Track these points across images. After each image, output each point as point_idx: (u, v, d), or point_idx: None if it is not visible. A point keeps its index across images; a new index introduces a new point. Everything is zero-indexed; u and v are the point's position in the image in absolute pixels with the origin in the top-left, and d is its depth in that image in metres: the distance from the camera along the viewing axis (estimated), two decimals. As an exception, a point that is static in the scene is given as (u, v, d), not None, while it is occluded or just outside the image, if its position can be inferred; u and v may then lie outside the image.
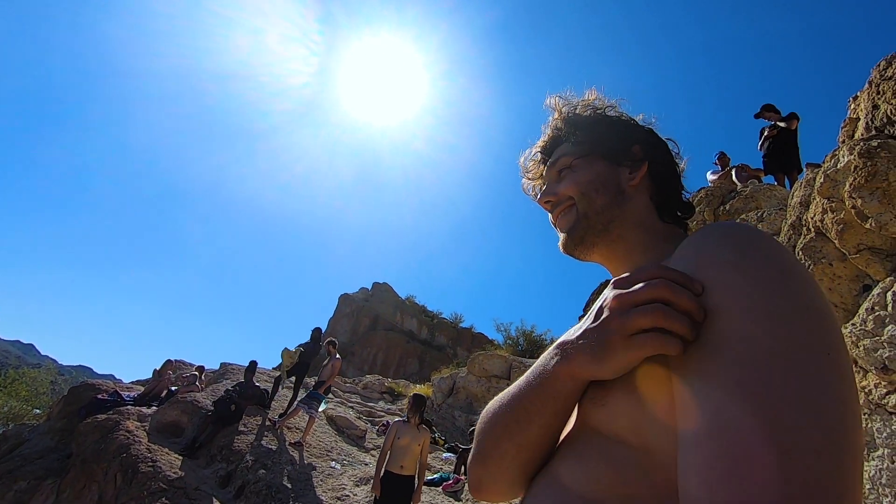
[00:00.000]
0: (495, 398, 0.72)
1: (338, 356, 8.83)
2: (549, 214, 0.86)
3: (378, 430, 10.24)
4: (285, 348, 9.33)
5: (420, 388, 14.03)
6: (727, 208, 5.75)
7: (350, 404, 11.84)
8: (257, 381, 8.93)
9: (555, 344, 0.65)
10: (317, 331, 9.83)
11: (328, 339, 9.14)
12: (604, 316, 0.55)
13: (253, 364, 9.02)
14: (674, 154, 0.87)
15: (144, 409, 7.61)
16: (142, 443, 6.49)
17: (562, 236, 0.82)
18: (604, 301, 0.58)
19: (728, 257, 0.52)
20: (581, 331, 0.59)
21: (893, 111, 2.72)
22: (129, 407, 7.56)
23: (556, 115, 0.88)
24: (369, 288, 46.71)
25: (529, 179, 0.94)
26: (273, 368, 15.96)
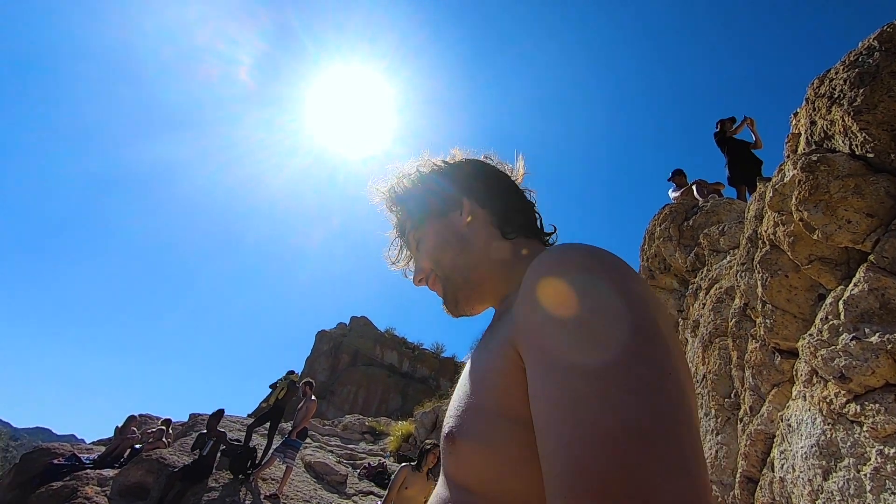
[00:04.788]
0: None
1: (313, 398, 8.55)
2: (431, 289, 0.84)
3: (360, 474, 9.86)
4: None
5: (402, 425, 13.66)
6: (691, 223, 5.88)
7: (329, 448, 11.41)
8: (229, 430, 8.52)
9: None
10: (291, 373, 9.56)
11: (304, 380, 8.87)
12: None
13: (219, 412, 8.62)
14: (495, 166, 0.86)
15: (106, 472, 7.14)
16: (102, 509, 6.06)
17: (444, 306, 0.81)
18: None
19: (535, 296, 0.53)
20: None
21: (829, 126, 2.83)
22: (88, 471, 7.08)
23: (383, 199, 0.88)
24: (347, 323, 45.92)
25: (399, 268, 0.92)
26: (248, 415, 15.32)
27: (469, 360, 0.68)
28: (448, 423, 0.62)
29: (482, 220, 0.80)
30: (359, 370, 39.58)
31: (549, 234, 0.84)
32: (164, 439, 8.23)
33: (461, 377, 0.68)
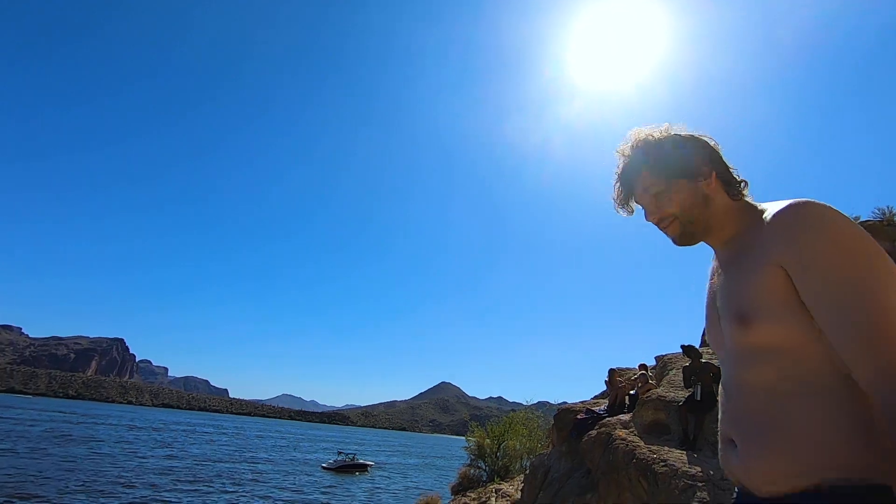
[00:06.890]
0: None
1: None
2: (655, 225, 1.24)
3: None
4: None
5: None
6: None
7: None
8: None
9: None
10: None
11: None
12: None
13: (690, 346, 8.49)
14: (714, 147, 1.21)
15: (622, 417, 8.02)
16: (640, 446, 6.73)
17: (673, 238, 1.22)
18: None
19: (807, 238, 0.97)
20: None
21: None
22: (608, 419, 8.13)
23: (630, 147, 1.24)
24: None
25: (621, 205, 1.29)
26: (702, 346, 14.86)
27: (723, 275, 1.15)
28: (732, 311, 1.06)
29: (717, 186, 1.18)
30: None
31: (746, 187, 1.21)
32: (650, 381, 8.71)
33: (719, 287, 1.16)
